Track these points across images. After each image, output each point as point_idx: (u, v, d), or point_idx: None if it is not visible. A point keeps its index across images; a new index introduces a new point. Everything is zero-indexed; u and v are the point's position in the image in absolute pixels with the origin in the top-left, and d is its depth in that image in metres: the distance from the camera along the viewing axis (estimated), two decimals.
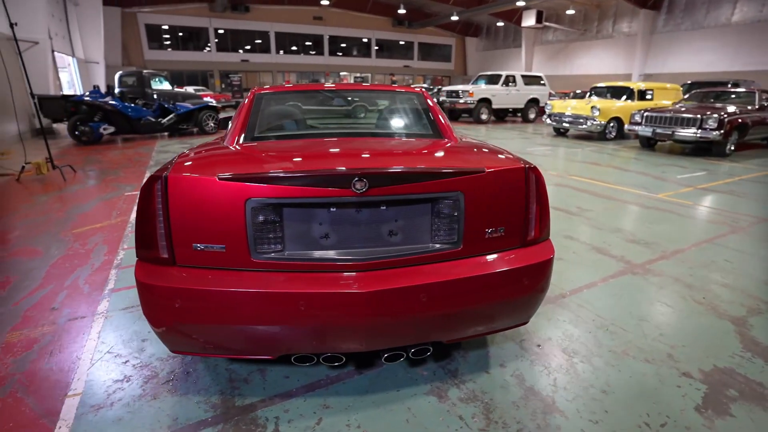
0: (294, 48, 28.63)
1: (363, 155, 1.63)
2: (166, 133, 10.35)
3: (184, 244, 1.41)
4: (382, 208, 1.46)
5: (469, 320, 1.55)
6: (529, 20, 23.09)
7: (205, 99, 14.15)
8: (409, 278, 1.43)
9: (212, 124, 10.38)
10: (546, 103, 11.59)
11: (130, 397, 1.70)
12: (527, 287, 1.57)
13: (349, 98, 2.68)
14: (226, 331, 1.41)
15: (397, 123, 2.37)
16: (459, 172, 1.48)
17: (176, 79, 25.82)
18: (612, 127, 10.46)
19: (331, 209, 1.43)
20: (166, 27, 25.03)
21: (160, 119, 9.42)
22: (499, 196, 1.54)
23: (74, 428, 1.53)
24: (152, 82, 11.65)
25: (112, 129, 8.94)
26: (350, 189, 1.36)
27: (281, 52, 28.16)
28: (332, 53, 29.92)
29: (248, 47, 27.35)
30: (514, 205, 1.57)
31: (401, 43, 32.10)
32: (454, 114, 15.83)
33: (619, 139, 10.69)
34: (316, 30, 28.62)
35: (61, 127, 10.64)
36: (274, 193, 1.37)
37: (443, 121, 2.24)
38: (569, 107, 10.75)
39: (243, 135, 2.00)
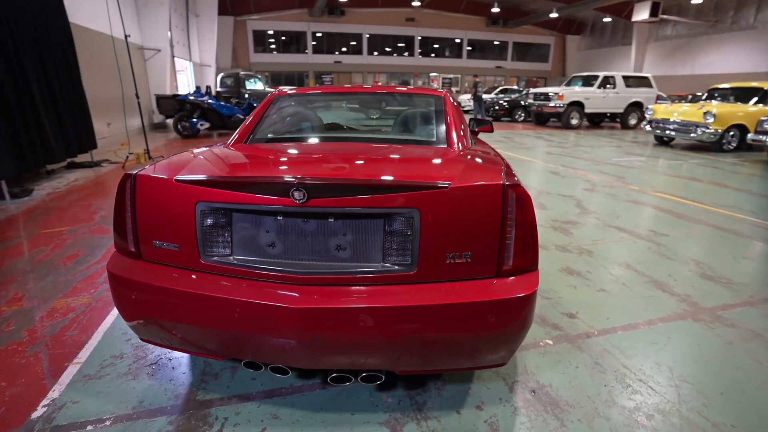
0: (386, 49, 29.28)
1: (316, 163, 1.56)
2: None
3: (146, 240, 1.48)
4: (329, 220, 1.37)
5: (422, 353, 1.38)
6: (641, 14, 20.52)
7: None
8: (350, 299, 1.32)
9: None
10: (647, 108, 10.19)
11: (116, 373, 1.85)
12: (495, 324, 1.35)
13: (363, 101, 2.61)
14: (177, 327, 1.45)
15: (402, 129, 2.24)
16: (414, 187, 1.32)
17: (275, 79, 28.12)
18: (732, 136, 8.83)
19: (278, 218, 1.39)
20: (270, 32, 27.38)
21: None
22: (465, 216, 1.34)
23: (63, 393, 1.71)
24: (247, 83, 12.79)
25: (207, 125, 10.03)
26: (290, 198, 1.30)
27: (375, 53, 28.98)
28: (423, 54, 29.97)
29: (343, 49, 28.66)
30: (486, 228, 1.35)
31: (495, 43, 30.88)
32: (542, 118, 14.76)
33: (742, 150, 8.99)
34: (407, 31, 28.90)
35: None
36: (221, 198, 1.37)
37: (454, 128, 2.05)
38: (676, 112, 9.32)
39: (242, 137, 2.06)
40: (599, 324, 2.28)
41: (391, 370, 1.44)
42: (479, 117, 11.38)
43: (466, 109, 17.72)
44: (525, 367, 1.91)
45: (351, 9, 27.03)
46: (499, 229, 1.36)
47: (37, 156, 5.23)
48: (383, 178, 1.37)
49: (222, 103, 9.91)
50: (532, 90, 15.21)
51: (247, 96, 11.00)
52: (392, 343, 1.33)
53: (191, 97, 9.74)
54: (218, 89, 13.10)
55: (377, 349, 1.35)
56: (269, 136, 2.13)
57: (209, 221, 1.40)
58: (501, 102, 16.46)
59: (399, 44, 29.51)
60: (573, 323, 2.28)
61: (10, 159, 4.57)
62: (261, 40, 27.39)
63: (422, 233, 1.34)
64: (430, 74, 30.76)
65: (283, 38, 27.81)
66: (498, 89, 19.29)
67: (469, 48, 30.67)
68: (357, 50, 28.90)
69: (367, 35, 28.48)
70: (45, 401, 1.66)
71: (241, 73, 12.56)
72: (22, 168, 4.90)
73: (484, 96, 16.50)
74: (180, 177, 1.41)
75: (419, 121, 2.24)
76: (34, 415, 1.59)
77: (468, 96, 18.11)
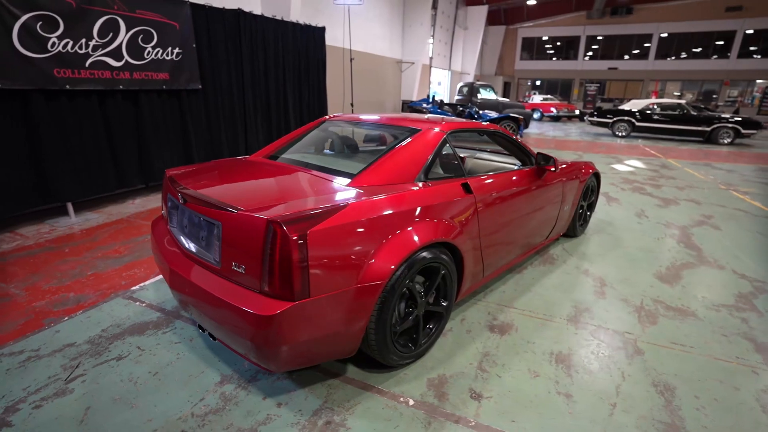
0: (687, 51, 23.40)
1: (214, 179, 1.96)
2: None
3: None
4: (195, 218, 1.76)
5: (213, 327, 1.66)
6: None
7: (529, 109, 14.52)
8: (192, 272, 1.72)
9: None
10: None
11: (109, 324, 2.76)
12: (244, 329, 1.49)
13: (350, 131, 2.68)
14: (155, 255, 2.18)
15: (344, 157, 2.31)
16: (218, 206, 1.62)
17: (551, 87, 27.27)
18: None
19: (178, 209, 1.89)
20: (540, 38, 26.66)
21: None
22: (244, 237, 1.53)
23: (67, 323, 2.66)
24: (481, 92, 13.29)
25: None
26: (179, 199, 1.80)
27: (669, 57, 23.72)
28: (743, 55, 22.31)
29: (625, 55, 24.84)
30: (254, 253, 1.50)
31: None
32: None
33: None
34: (724, 25, 22.09)
35: None
36: (172, 193, 1.97)
37: (381, 164, 1.98)
38: None
39: (265, 151, 2.60)
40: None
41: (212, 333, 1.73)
42: None
43: None
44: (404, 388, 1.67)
45: (642, 6, 22.89)
46: (261, 257, 1.47)
47: None
48: (206, 193, 1.73)
49: (439, 110, 10.81)
50: None
51: (470, 104, 11.51)
52: (199, 310, 1.67)
53: (415, 104, 11.10)
54: (456, 97, 14.20)
55: (197, 313, 1.69)
56: (274, 152, 2.56)
57: (169, 204, 2.04)
58: None
59: (705, 44, 22.96)
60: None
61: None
62: (528, 47, 27.13)
63: (223, 241, 1.61)
64: (757, 81, 22.58)
65: (553, 45, 26.55)
66: None
67: None
68: (641, 54, 24.39)
69: (662, 35, 23.52)
70: None
71: (476, 83, 13.13)
72: None
73: None
74: (168, 174, 2.11)
75: (365, 152, 2.23)
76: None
77: None
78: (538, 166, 2.83)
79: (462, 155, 3.29)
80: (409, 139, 2.15)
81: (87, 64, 4.15)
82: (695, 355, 2.14)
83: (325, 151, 2.78)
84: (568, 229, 3.66)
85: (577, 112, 19.15)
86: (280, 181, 1.94)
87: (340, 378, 1.88)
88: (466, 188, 2.16)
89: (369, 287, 1.60)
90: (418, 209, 1.84)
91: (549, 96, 20.61)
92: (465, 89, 13.48)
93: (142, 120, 4.78)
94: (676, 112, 11.86)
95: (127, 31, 4.45)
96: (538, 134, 13.27)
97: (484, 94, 13.35)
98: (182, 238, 1.90)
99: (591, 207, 3.94)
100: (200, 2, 5.39)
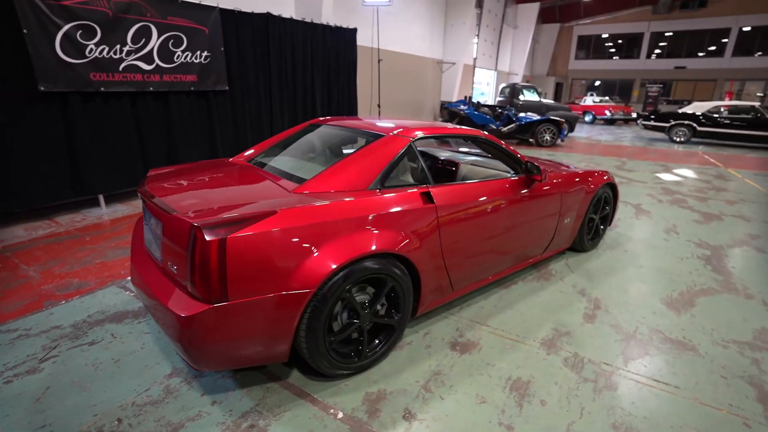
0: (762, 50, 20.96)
1: (178, 181, 2.04)
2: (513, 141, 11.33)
3: None
4: (149, 218, 1.86)
5: (156, 321, 1.77)
6: None
7: (579, 112, 13.72)
8: (144, 269, 1.87)
9: (548, 138, 10.33)
10: None
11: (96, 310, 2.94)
12: (168, 323, 1.58)
13: (330, 134, 2.65)
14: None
15: (305, 162, 2.31)
16: (161, 207, 1.70)
17: (609, 88, 25.72)
18: None
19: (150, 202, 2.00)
20: (598, 36, 25.07)
21: (500, 127, 10.48)
22: (176, 240, 1.60)
23: (62, 306, 2.88)
24: (524, 93, 12.77)
25: None
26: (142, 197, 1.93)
27: (753, 53, 21.35)
28: None
29: (691, 51, 22.72)
30: (182, 256, 1.56)
31: None
32: None
33: None
34: None
35: None
36: (141, 192, 2.10)
37: (334, 170, 1.98)
38: None
39: (254, 149, 2.68)
40: None
41: None
42: None
43: None
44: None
45: None
46: (186, 260, 1.52)
47: None
48: (159, 194, 1.83)
49: (477, 113, 10.52)
50: None
51: (508, 107, 11.09)
52: (146, 304, 1.81)
53: (451, 106, 10.88)
54: (498, 98, 13.76)
55: (146, 307, 1.82)
56: (253, 155, 2.62)
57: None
58: None
59: None
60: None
61: None
62: (584, 46, 25.63)
63: (162, 241, 1.69)
64: None
65: (613, 43, 24.86)
66: None
67: None
68: (715, 52, 22.16)
69: (742, 28, 21.22)
70: None
71: (518, 84, 12.64)
72: None
73: None
74: (150, 174, 2.25)
75: (327, 157, 2.23)
76: None
77: None
78: (527, 176, 2.66)
79: (458, 162, 3.16)
80: (369, 145, 2.12)
81: (120, 68, 4.49)
82: (679, 397, 1.91)
83: (308, 154, 2.81)
84: (574, 243, 3.41)
85: (634, 115, 17.80)
86: (237, 185, 1.99)
87: (281, 382, 1.89)
88: (428, 197, 2.08)
89: (295, 295, 1.60)
90: (363, 218, 1.80)
91: (605, 98, 19.34)
92: (507, 90, 13.01)
93: (170, 119, 5.11)
94: (749, 116, 10.64)
95: (158, 37, 4.77)
96: (584, 138, 12.50)
97: (528, 96, 12.80)
98: (146, 236, 2.01)
99: (605, 220, 3.65)
100: (230, 7, 5.65)
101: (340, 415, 1.71)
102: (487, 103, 13.06)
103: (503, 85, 13.56)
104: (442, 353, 2.14)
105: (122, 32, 4.45)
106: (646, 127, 12.31)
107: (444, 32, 13.54)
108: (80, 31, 4.14)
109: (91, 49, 4.24)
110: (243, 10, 5.83)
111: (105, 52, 4.34)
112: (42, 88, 3.94)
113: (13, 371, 1.96)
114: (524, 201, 2.61)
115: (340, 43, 7.68)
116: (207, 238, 1.46)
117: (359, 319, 1.86)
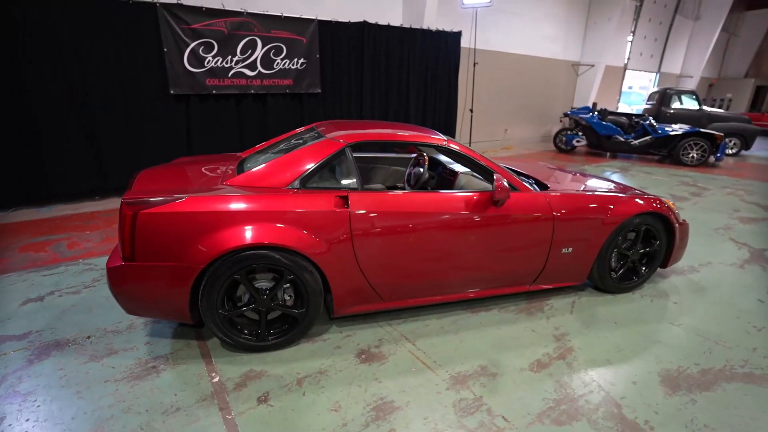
0: None
1: (167, 168, 2.49)
2: (642, 155, 9.57)
3: None
4: None
5: None
6: None
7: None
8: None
9: (694, 155, 8.42)
10: None
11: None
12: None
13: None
14: None
15: (262, 161, 2.54)
16: (136, 203, 2.08)
17: None
18: None
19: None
20: None
21: (630, 140, 8.98)
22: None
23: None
24: (680, 100, 10.56)
25: (584, 141, 9.75)
26: None
27: None
28: None
29: None
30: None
31: None
32: None
33: None
34: None
35: None
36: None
37: (264, 167, 2.24)
38: None
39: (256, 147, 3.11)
40: None
41: None
42: None
43: None
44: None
45: None
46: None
47: None
48: (139, 176, 2.32)
49: (602, 122, 9.19)
50: None
51: (645, 116, 9.31)
52: None
53: (570, 114, 9.73)
54: (645, 105, 11.72)
55: None
56: (254, 151, 3.02)
57: None
58: None
59: None
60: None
61: None
62: None
63: (136, 232, 2.06)
64: None
65: None
66: None
67: None
68: None
69: None
70: None
71: (669, 89, 10.50)
72: None
73: None
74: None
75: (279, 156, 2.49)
76: None
77: None
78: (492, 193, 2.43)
79: (457, 170, 3.03)
80: (304, 147, 2.31)
81: (229, 75, 5.56)
82: None
83: (277, 153, 3.18)
84: (594, 281, 2.91)
85: None
86: (204, 175, 2.42)
87: (200, 341, 2.27)
88: (345, 202, 2.17)
89: (187, 268, 1.94)
90: (266, 213, 2.02)
91: None
92: (656, 96, 10.91)
93: (267, 117, 6.06)
94: None
95: (262, 48, 5.71)
96: (761, 159, 9.69)
97: (686, 103, 10.50)
98: None
99: (653, 258, 2.98)
100: (328, 18, 6.32)
101: (216, 378, 2.00)
102: (620, 111, 11.25)
103: (653, 90, 11.40)
104: (344, 357, 2.20)
105: (233, 46, 5.49)
106: None
107: (585, 31, 12.08)
108: (202, 47, 5.28)
109: (209, 61, 5.37)
110: (340, 20, 6.45)
111: (219, 62, 5.43)
112: (172, 92, 5.20)
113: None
114: (490, 221, 2.41)
115: (440, 47, 7.75)
116: (125, 211, 1.91)
117: (256, 303, 2.11)
